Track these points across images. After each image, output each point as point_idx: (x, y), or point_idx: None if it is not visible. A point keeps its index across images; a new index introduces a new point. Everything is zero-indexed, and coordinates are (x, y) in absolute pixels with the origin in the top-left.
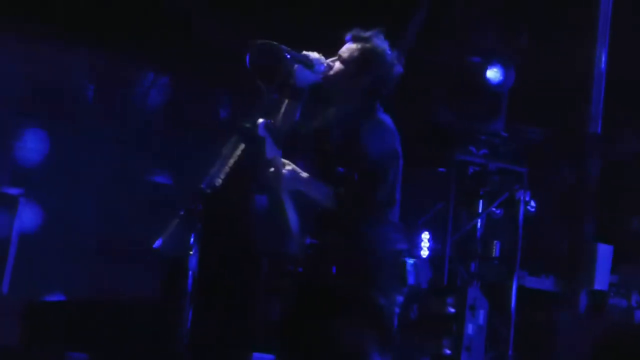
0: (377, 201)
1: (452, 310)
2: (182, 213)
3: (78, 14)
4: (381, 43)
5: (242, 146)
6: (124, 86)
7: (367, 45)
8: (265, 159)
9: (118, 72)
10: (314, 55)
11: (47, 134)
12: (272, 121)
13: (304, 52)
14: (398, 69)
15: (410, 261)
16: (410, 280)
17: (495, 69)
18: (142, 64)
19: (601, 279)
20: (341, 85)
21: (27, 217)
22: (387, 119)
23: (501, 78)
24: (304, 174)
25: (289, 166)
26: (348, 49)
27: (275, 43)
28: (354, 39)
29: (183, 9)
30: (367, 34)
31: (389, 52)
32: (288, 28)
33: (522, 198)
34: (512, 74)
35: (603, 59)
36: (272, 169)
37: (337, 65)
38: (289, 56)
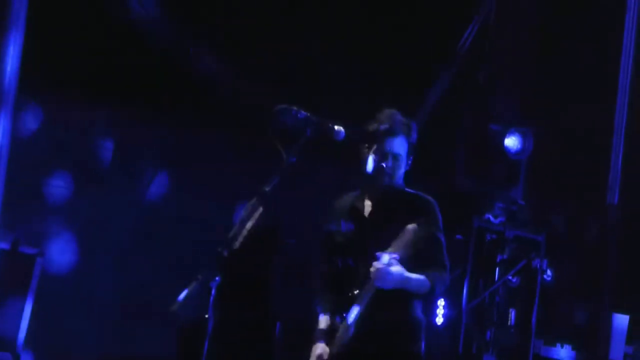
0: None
1: None
2: (200, 275)
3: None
4: (414, 126)
5: (260, 209)
6: (144, 145)
7: (412, 135)
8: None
9: (139, 132)
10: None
11: (67, 191)
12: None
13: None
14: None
15: None
16: None
17: (514, 137)
18: (162, 124)
19: (616, 350)
20: (397, 180)
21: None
22: (430, 197)
23: (520, 146)
24: (407, 273)
25: (396, 267)
26: (400, 145)
27: (296, 108)
28: (400, 131)
29: (208, 70)
30: (407, 122)
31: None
32: (309, 95)
33: (538, 266)
34: (530, 142)
35: (623, 127)
36: (380, 266)
37: (398, 163)
38: (309, 121)
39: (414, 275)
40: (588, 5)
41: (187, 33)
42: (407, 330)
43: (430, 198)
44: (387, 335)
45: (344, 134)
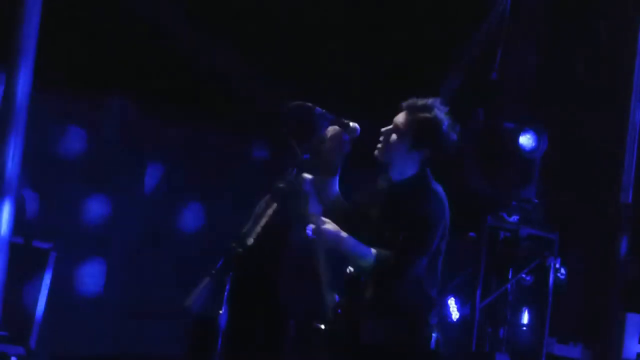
0: (414, 268)
1: None
2: (213, 272)
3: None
4: (439, 112)
5: (274, 205)
6: (151, 144)
7: (425, 115)
8: (308, 214)
9: (146, 131)
10: (352, 125)
11: (79, 192)
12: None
13: (340, 117)
14: (453, 137)
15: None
16: None
17: (528, 136)
18: (170, 122)
19: (629, 348)
20: (398, 157)
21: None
22: (439, 189)
23: (534, 144)
24: (344, 233)
25: (329, 224)
26: (406, 119)
27: (310, 104)
28: (411, 109)
29: (222, 68)
30: (424, 102)
31: (446, 121)
32: (324, 91)
33: (552, 265)
34: (544, 140)
35: (637, 127)
36: (313, 225)
37: (394, 137)
38: (323, 117)
39: (355, 241)
40: (604, 5)
41: (202, 33)
42: (400, 317)
43: (431, 190)
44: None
45: (359, 130)
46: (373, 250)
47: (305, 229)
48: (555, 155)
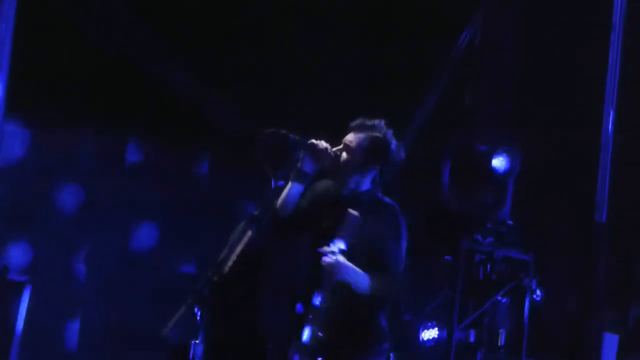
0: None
1: None
2: (189, 300)
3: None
4: (386, 131)
5: (249, 233)
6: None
7: (373, 134)
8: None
9: (129, 158)
10: (322, 144)
11: (57, 218)
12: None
13: (312, 141)
14: (401, 155)
15: None
16: None
17: (501, 158)
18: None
19: None
20: (349, 174)
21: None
22: (393, 202)
23: (507, 166)
24: (349, 263)
25: (342, 257)
26: (355, 138)
27: (283, 131)
28: (359, 128)
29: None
30: (372, 122)
31: (394, 140)
32: (296, 113)
33: (528, 286)
34: (517, 162)
35: (610, 145)
36: (329, 259)
37: (345, 155)
38: (297, 144)
39: (357, 269)
40: (574, 25)
41: (174, 57)
42: (370, 342)
43: (391, 202)
44: (347, 346)
45: (331, 154)
46: (368, 277)
47: (285, 251)
48: (529, 176)
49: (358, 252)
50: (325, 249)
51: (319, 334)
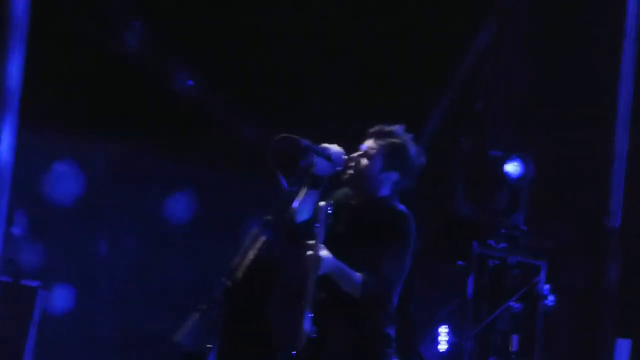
0: (394, 294)
1: None
2: (202, 306)
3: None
4: (405, 137)
5: (263, 239)
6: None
7: (392, 140)
8: (307, 241)
9: (136, 164)
10: (334, 148)
11: (70, 228)
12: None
13: (324, 145)
14: (421, 161)
15: None
16: None
17: (514, 163)
18: (159, 156)
19: None
20: (367, 181)
21: (46, 309)
22: (407, 210)
23: (521, 172)
24: (337, 261)
25: (325, 250)
26: (375, 144)
27: (295, 137)
28: (379, 134)
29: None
30: (391, 128)
31: (414, 146)
32: (310, 120)
33: (540, 292)
34: (531, 167)
35: (624, 152)
36: (311, 252)
37: (364, 161)
38: (309, 149)
39: (344, 266)
40: (587, 30)
41: (183, 66)
42: (372, 350)
43: (403, 209)
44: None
45: (344, 159)
46: (360, 276)
47: (298, 257)
48: (543, 182)
49: (357, 253)
50: (310, 242)
51: (314, 335)
